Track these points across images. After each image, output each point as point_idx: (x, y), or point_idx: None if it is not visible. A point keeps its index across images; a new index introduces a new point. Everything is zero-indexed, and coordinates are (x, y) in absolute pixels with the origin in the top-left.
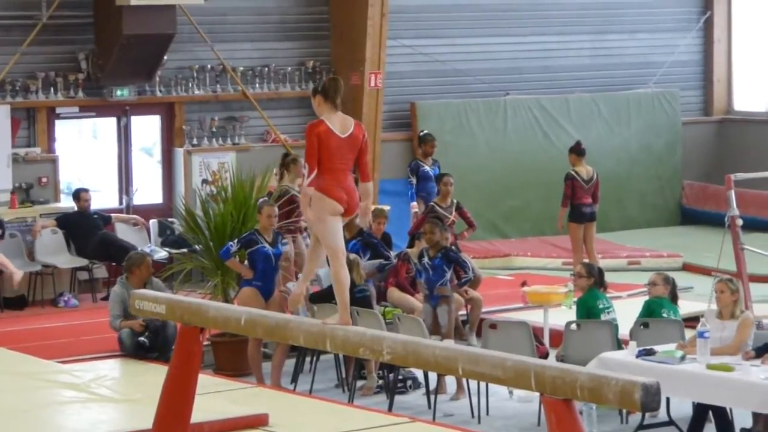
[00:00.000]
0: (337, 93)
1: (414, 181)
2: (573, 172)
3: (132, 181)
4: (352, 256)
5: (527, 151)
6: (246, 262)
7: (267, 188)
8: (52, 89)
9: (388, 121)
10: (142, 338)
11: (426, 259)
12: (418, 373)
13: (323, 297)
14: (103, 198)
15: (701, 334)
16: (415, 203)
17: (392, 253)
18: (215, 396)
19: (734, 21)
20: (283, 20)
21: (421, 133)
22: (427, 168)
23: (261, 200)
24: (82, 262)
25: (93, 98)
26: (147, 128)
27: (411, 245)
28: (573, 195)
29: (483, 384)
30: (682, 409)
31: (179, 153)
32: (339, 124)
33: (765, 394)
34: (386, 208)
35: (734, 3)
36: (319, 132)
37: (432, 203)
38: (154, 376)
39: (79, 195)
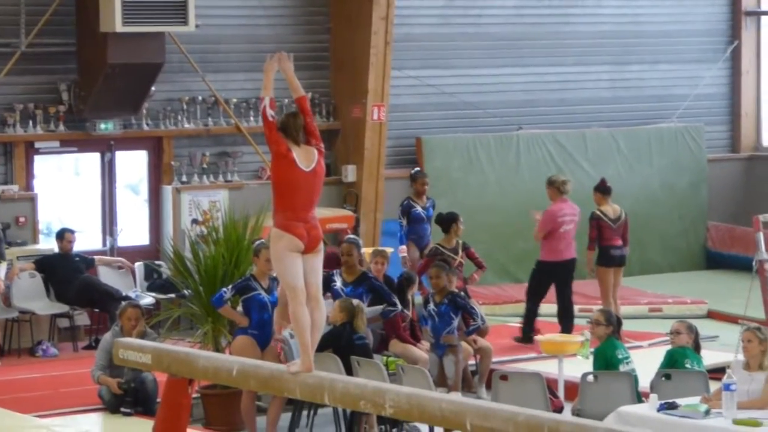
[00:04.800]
0: (298, 130)
1: (405, 222)
2: (599, 212)
3: (116, 221)
4: (355, 301)
5: (541, 189)
6: (239, 308)
7: (262, 229)
8: (30, 122)
9: (392, 157)
10: (125, 408)
11: (432, 306)
12: (424, 428)
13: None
14: (86, 239)
15: (727, 387)
16: (404, 247)
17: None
18: None
19: (763, 51)
20: (279, 49)
21: (413, 171)
22: (419, 209)
23: (258, 242)
24: (63, 308)
25: (75, 132)
26: (133, 164)
27: (401, 291)
28: (600, 236)
29: None
30: None
31: (167, 191)
32: (303, 157)
33: None
34: (388, 250)
35: (764, 32)
36: (288, 158)
37: (436, 245)
38: (138, 431)
39: (63, 235)
